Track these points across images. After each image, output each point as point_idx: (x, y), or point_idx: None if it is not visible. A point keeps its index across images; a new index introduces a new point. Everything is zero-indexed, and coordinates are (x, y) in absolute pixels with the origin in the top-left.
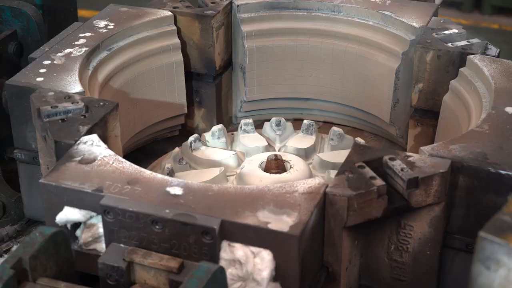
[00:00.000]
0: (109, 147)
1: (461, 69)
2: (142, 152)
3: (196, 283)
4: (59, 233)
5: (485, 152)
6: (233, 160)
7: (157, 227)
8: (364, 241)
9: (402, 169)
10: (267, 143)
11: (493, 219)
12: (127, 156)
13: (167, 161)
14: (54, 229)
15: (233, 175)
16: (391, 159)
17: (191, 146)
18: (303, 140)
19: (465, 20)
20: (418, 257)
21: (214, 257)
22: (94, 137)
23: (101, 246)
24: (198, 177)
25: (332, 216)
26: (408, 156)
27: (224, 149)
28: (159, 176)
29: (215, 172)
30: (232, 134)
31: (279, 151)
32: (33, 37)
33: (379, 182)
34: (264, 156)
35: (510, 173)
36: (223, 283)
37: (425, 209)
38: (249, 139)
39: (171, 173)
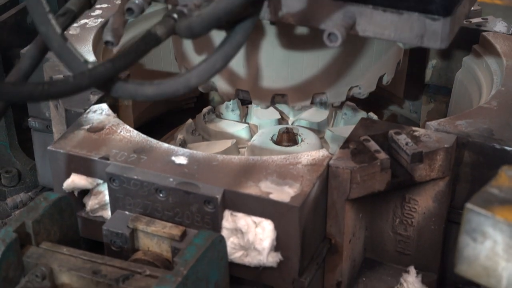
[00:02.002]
0: (120, 116)
1: (474, 46)
2: (158, 123)
3: (195, 250)
4: (63, 199)
5: (491, 128)
6: (245, 133)
7: (161, 195)
8: (369, 214)
9: (406, 143)
10: (280, 116)
11: (481, 191)
12: (142, 127)
13: (180, 132)
14: (59, 194)
15: (244, 148)
16: (397, 133)
17: (204, 118)
18: (316, 114)
19: (500, 0)
20: (422, 231)
21: (216, 226)
22: (104, 106)
23: (107, 213)
24: (210, 149)
25: (335, 188)
26: (414, 131)
27: (238, 121)
28: (165, 145)
29: (227, 144)
30: (247, 107)
31: (292, 124)
32: (52, 7)
33: (383, 155)
34: (276, 129)
35: None
36: (222, 251)
37: (430, 184)
38: (263, 112)
39: (183, 144)
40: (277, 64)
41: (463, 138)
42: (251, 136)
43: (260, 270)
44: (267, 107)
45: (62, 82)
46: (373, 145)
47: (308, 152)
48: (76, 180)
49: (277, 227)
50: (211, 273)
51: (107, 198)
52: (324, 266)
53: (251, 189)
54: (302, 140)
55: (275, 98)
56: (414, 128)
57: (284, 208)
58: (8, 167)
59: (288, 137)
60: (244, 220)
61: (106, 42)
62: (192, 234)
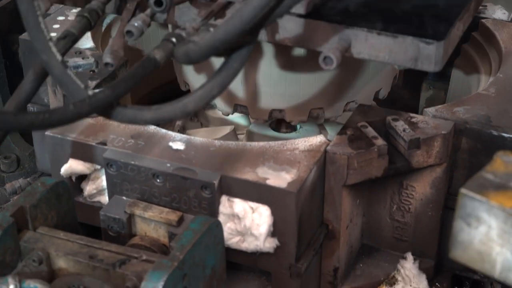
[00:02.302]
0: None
1: (473, 33)
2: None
3: (192, 235)
4: (61, 184)
5: (489, 115)
6: (244, 119)
7: (158, 180)
8: (366, 200)
9: (404, 130)
10: None
11: (475, 176)
12: None
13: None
14: (56, 179)
15: (243, 134)
16: (394, 119)
17: None
18: None
19: None
20: (419, 217)
21: (213, 211)
22: None
23: (105, 199)
24: (209, 135)
25: (332, 174)
26: (412, 117)
27: None
28: (163, 131)
29: (226, 130)
30: None
31: None
32: None
33: (380, 141)
34: None
35: None
36: (219, 236)
37: (427, 170)
38: None
39: (182, 130)
40: (275, 82)
41: (461, 125)
42: (250, 123)
43: (257, 256)
44: (265, 121)
45: (62, 110)
46: (370, 131)
47: (306, 138)
48: (73, 165)
49: (274, 213)
50: (208, 258)
51: (104, 183)
52: (321, 252)
53: (248, 175)
54: (300, 127)
55: (272, 113)
56: (411, 115)
57: (281, 193)
58: (7, 153)
59: (286, 123)
60: (241, 206)
61: (106, 64)
62: (189, 220)
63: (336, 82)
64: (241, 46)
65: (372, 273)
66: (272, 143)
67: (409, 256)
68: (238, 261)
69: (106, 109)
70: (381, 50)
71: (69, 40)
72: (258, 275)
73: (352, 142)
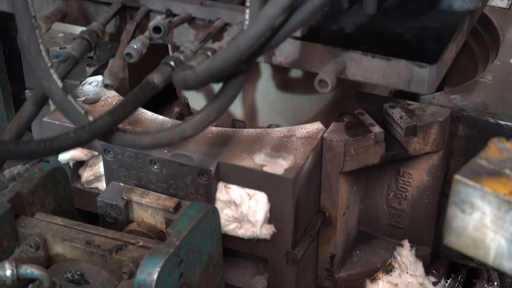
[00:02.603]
0: (117, 88)
1: None
2: (156, 95)
3: (188, 221)
4: (58, 170)
5: (485, 103)
6: None
7: (155, 167)
8: (363, 187)
9: (401, 117)
10: None
11: (470, 163)
12: None
13: (177, 105)
14: (54, 165)
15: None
16: (391, 106)
17: None
18: None
19: None
20: (416, 205)
21: (210, 197)
22: (100, 78)
23: (103, 185)
24: None
25: (329, 161)
26: (409, 104)
27: None
28: (160, 117)
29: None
30: None
31: None
32: None
33: (377, 129)
34: None
35: (509, 123)
36: (215, 222)
37: (424, 158)
38: None
39: (180, 117)
40: (272, 99)
41: (458, 112)
42: None
43: (254, 242)
44: None
45: (63, 138)
46: (367, 119)
47: (303, 125)
48: (71, 152)
49: (270, 200)
50: (204, 244)
51: (102, 169)
52: (318, 239)
53: (245, 162)
54: None
55: (270, 128)
56: (408, 102)
57: (277, 180)
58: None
59: None
60: (238, 192)
61: (106, 85)
62: (186, 206)
63: (331, 98)
64: (238, 73)
65: (369, 260)
66: (269, 130)
67: (406, 243)
68: (235, 248)
69: (105, 134)
70: (375, 73)
71: (69, 62)
72: (255, 262)
73: (349, 129)
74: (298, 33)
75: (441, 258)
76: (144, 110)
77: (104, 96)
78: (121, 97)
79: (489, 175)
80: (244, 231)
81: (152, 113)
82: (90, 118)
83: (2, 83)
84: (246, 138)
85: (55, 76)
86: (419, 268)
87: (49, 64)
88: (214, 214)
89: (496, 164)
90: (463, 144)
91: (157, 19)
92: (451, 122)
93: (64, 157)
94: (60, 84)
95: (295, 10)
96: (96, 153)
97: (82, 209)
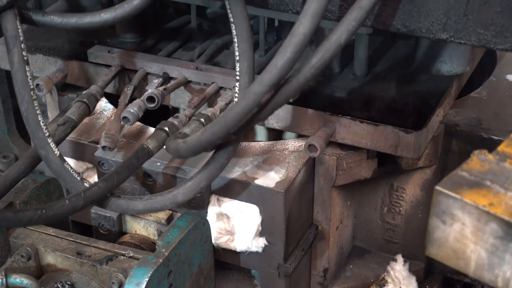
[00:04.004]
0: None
1: None
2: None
3: (177, 232)
4: (52, 181)
5: (479, 118)
6: None
7: (148, 179)
8: (357, 202)
9: None
10: None
11: (451, 174)
12: None
13: None
14: (47, 176)
15: None
16: None
17: None
18: None
19: None
20: (410, 219)
21: (202, 210)
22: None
23: None
24: None
25: (322, 175)
26: None
27: None
28: (153, 130)
29: None
30: None
31: None
32: None
33: None
34: None
35: (502, 139)
36: (206, 234)
37: (417, 172)
38: None
39: None
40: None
41: (451, 127)
42: None
43: (246, 255)
44: None
45: (58, 205)
46: None
47: (295, 139)
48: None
49: (262, 212)
50: (194, 256)
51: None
52: (311, 252)
53: (237, 174)
54: None
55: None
56: None
57: (269, 193)
58: (5, 152)
59: None
60: (230, 205)
61: (103, 147)
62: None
63: None
64: (228, 143)
65: (362, 274)
66: (261, 143)
67: (399, 258)
68: (227, 261)
69: (100, 200)
70: (364, 137)
71: (68, 126)
72: (248, 275)
73: None
74: None
75: (435, 273)
76: (139, 123)
77: (100, 109)
78: (115, 109)
79: (469, 186)
80: (236, 244)
81: (146, 126)
82: (86, 185)
83: (3, 96)
84: (238, 151)
85: (52, 145)
86: (413, 283)
87: (47, 134)
88: (205, 226)
89: (477, 175)
90: (457, 159)
91: (151, 89)
92: (444, 137)
93: None
94: (57, 152)
95: (281, 87)
96: (91, 165)
97: (76, 221)
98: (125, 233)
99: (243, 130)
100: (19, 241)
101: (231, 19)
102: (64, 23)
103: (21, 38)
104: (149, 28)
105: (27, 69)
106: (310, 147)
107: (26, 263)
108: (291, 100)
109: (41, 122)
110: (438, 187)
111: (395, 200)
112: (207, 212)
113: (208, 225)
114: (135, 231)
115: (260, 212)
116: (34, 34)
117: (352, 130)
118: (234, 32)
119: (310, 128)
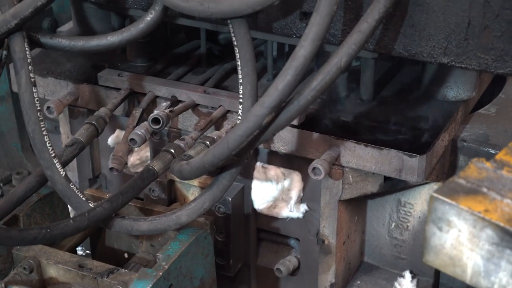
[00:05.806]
0: None
1: None
2: None
3: (178, 245)
4: (55, 194)
5: (487, 134)
6: None
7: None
8: (365, 217)
9: None
10: None
11: (448, 181)
12: None
13: None
14: (51, 189)
15: None
16: None
17: None
18: None
19: None
20: (418, 235)
21: (248, 176)
22: None
23: None
24: None
25: (328, 188)
26: None
27: None
28: None
29: None
30: None
31: None
32: (67, 13)
33: None
34: None
35: None
36: (208, 247)
37: (425, 188)
38: None
39: None
40: None
41: (459, 143)
42: None
43: (287, 222)
44: None
45: (63, 225)
46: None
47: None
48: (120, 135)
49: (304, 179)
50: (196, 269)
51: (148, 154)
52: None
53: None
54: None
55: None
56: None
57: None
58: (19, 169)
59: None
60: (274, 171)
61: (111, 169)
62: None
63: None
64: (231, 165)
65: None
66: None
67: (407, 274)
68: (269, 229)
69: (104, 220)
70: (368, 161)
71: (76, 147)
72: (287, 248)
73: None
74: (295, 122)
75: None
76: None
77: None
78: None
79: (466, 193)
80: (279, 210)
81: None
82: (91, 205)
83: (17, 113)
84: None
85: (58, 166)
86: None
87: (53, 154)
88: (207, 239)
89: (474, 182)
90: None
91: (157, 111)
92: (451, 153)
93: (113, 140)
94: (62, 173)
95: (282, 109)
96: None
97: None
98: (174, 200)
99: (245, 152)
100: (22, 254)
101: (235, 42)
102: (72, 46)
103: (29, 60)
104: (159, 52)
105: (34, 90)
106: (315, 170)
107: (28, 276)
108: (297, 124)
109: (47, 143)
110: (434, 194)
111: (402, 215)
112: (252, 177)
113: (210, 238)
114: (184, 199)
115: (302, 178)
116: (47, 58)
117: (357, 154)
118: (237, 55)
119: (315, 151)
